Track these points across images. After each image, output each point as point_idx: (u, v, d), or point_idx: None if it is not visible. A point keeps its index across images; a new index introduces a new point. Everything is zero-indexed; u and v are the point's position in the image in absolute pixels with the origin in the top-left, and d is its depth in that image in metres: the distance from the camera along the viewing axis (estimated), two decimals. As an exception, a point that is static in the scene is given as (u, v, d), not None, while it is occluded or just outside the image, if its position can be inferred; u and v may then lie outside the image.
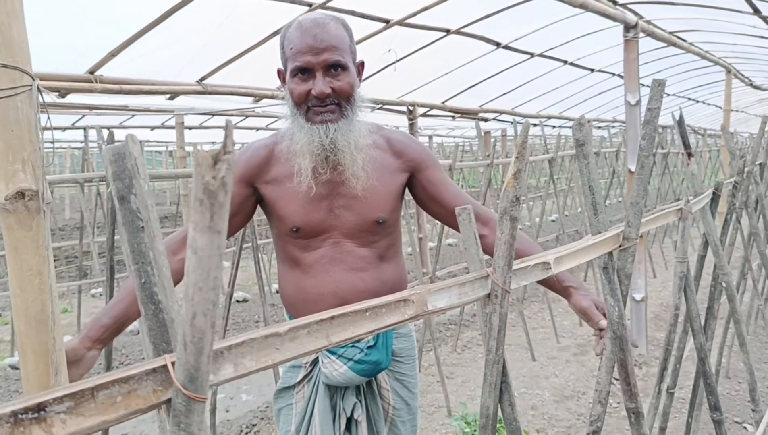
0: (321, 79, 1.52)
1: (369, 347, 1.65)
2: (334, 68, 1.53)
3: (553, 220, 11.75)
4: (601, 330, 1.42)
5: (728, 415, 3.71)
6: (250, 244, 3.98)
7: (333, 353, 1.64)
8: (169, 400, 0.55)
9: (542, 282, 1.61)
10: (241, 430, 3.67)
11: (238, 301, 6.76)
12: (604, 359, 1.42)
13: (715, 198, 2.28)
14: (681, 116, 2.23)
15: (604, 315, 1.42)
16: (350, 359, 1.63)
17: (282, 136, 1.63)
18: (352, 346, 1.64)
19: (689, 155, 2.25)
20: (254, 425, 3.72)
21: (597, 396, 1.42)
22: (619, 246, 1.37)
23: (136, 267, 0.60)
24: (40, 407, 0.47)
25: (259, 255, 7.47)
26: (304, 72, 1.53)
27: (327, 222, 1.61)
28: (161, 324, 0.60)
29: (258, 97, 4.37)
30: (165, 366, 0.54)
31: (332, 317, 0.71)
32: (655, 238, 8.67)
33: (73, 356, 1.27)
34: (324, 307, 1.65)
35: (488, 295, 0.95)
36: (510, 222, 0.93)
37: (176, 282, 1.47)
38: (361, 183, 1.57)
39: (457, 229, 1.75)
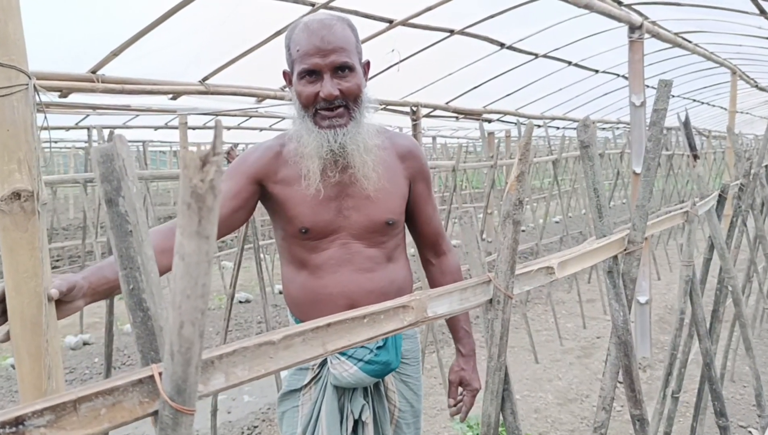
0: (329, 81, 1.51)
1: (378, 348, 1.65)
2: (342, 69, 1.52)
3: (556, 222, 11.70)
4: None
5: (733, 419, 3.67)
6: (252, 245, 3.98)
7: (343, 354, 1.63)
8: (156, 412, 0.52)
9: (448, 320, 1.82)
10: (243, 432, 3.65)
11: (240, 302, 6.76)
12: (609, 365, 1.39)
13: (721, 200, 2.25)
14: (687, 117, 2.21)
15: (463, 385, 1.78)
16: (360, 360, 1.63)
17: (289, 137, 1.61)
18: (362, 347, 1.63)
19: (695, 157, 2.23)
20: (255, 427, 3.70)
21: (601, 402, 1.40)
22: (624, 250, 1.35)
23: (124, 272, 0.58)
24: (18, 421, 0.45)
25: (262, 255, 7.46)
26: (312, 74, 1.52)
27: (335, 223, 1.60)
28: (150, 332, 0.58)
29: (261, 98, 4.35)
30: (152, 377, 0.52)
31: (328, 325, 0.68)
32: (659, 241, 8.63)
33: (68, 289, 1.15)
34: (334, 307, 1.64)
35: (490, 301, 0.93)
36: (513, 225, 0.91)
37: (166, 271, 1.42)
38: (372, 184, 1.57)
39: (417, 246, 1.82)
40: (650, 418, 2.03)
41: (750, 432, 3.54)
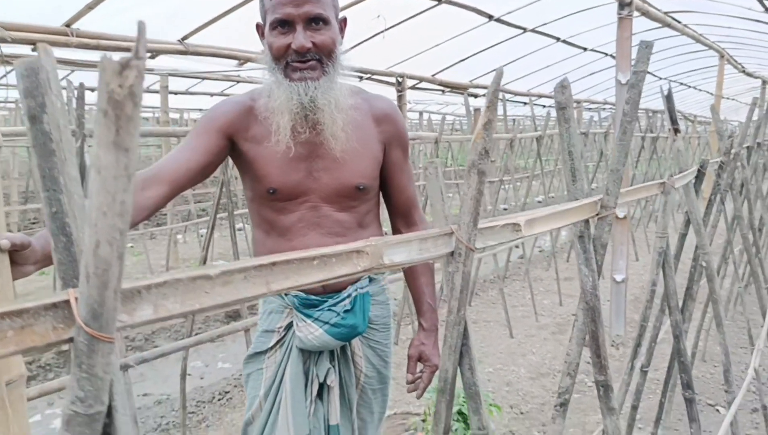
0: (301, 33, 1.45)
1: (346, 311, 1.63)
2: (316, 22, 1.46)
3: (539, 202, 11.73)
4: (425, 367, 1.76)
5: (702, 397, 3.72)
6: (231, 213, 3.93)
7: (308, 317, 1.61)
8: (72, 339, 0.49)
9: (413, 293, 1.81)
10: (214, 396, 3.64)
11: (218, 270, 6.72)
12: (576, 331, 1.38)
13: (699, 176, 2.24)
14: (670, 91, 2.18)
15: (422, 360, 1.76)
16: (326, 323, 1.61)
17: (259, 93, 1.56)
18: (329, 310, 1.61)
19: (676, 131, 2.21)
20: (227, 392, 3.68)
21: (566, 368, 1.39)
22: (597, 214, 1.32)
23: (47, 194, 0.54)
24: None
25: (241, 224, 7.40)
26: (284, 25, 1.46)
27: (305, 184, 1.56)
28: (72, 258, 0.54)
29: (242, 60, 4.26)
30: (68, 301, 0.48)
31: (273, 263, 0.65)
32: (639, 223, 8.68)
33: (21, 244, 1.05)
34: None
35: (452, 254, 0.90)
36: (477, 176, 0.87)
37: (139, 220, 1.37)
38: (340, 144, 1.52)
39: (389, 214, 1.78)
40: (617, 390, 2.03)
41: (717, 410, 3.59)
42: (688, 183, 2.10)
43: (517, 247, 5.99)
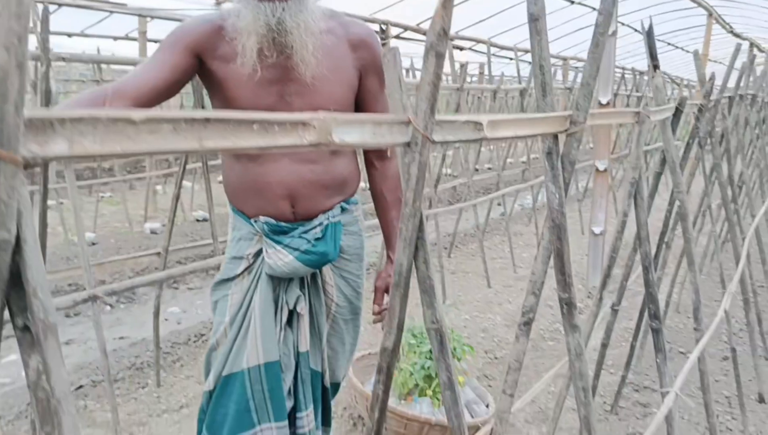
0: None
1: (317, 239, 1.62)
2: None
3: (523, 162, 11.71)
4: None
5: (674, 345, 3.78)
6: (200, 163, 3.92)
7: (279, 243, 1.61)
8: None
9: (383, 226, 1.80)
10: (189, 338, 3.63)
11: (198, 221, 6.71)
12: (541, 249, 1.37)
13: (677, 114, 2.21)
14: (650, 26, 2.14)
15: (389, 292, 1.76)
16: (297, 249, 1.60)
17: (228, 13, 1.51)
18: (300, 237, 1.60)
19: (655, 67, 2.17)
20: (203, 335, 3.68)
21: (531, 287, 1.39)
22: (566, 130, 1.30)
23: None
24: None
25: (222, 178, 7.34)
26: None
27: (276, 109, 1.52)
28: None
29: None
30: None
31: (207, 120, 0.61)
32: (622, 183, 8.70)
33: None
34: (272, 196, 1.59)
35: (408, 144, 0.87)
36: (435, 59, 0.84)
37: None
38: (310, 70, 1.48)
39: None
40: (585, 321, 2.03)
41: (689, 357, 3.64)
42: (665, 120, 2.08)
43: (499, 204, 5.98)
